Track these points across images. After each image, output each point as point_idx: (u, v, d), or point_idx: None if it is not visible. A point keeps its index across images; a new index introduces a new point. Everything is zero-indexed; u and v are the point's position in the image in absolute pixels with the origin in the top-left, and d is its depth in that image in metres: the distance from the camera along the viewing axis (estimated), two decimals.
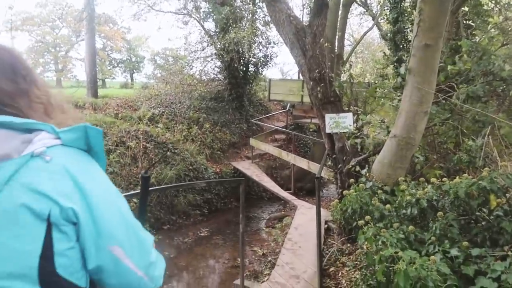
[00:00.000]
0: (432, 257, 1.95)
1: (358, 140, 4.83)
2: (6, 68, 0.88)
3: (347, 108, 5.90)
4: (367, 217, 2.47)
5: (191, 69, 14.21)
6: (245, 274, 6.39)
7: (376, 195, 2.92)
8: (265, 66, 14.24)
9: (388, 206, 2.64)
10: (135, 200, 6.18)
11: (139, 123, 10.51)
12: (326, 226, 6.18)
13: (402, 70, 3.54)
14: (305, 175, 11.14)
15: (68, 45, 27.08)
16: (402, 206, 2.58)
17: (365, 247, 3.08)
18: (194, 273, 6.50)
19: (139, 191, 1.35)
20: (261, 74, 14.74)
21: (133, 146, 9.10)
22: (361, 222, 2.44)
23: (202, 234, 8.18)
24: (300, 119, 12.57)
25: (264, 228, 8.61)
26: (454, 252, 2.12)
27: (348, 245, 5.29)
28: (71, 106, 1.02)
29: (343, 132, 5.35)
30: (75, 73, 29.22)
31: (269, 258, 6.36)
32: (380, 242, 2.19)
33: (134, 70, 31.48)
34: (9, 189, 0.74)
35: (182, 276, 6.35)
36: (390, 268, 2.09)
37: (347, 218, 2.86)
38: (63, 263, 0.77)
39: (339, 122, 5.32)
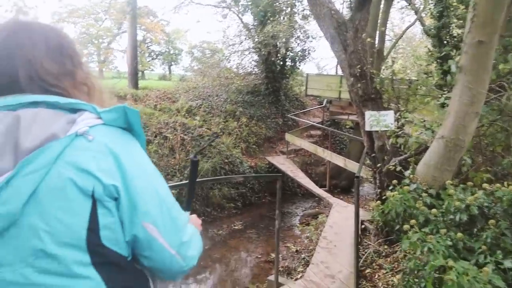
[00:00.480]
0: (485, 268, 1.85)
1: (400, 139, 4.68)
2: (52, 49, 0.91)
3: (387, 106, 5.73)
4: (412, 221, 2.38)
5: (229, 62, 14.29)
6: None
7: (421, 198, 2.81)
8: (303, 61, 14.10)
9: (434, 210, 2.53)
10: (173, 191, 6.33)
11: (177, 115, 10.70)
12: (363, 226, 6.06)
13: (452, 67, 3.37)
14: (340, 172, 10.97)
15: (110, 37, 27.89)
16: (450, 212, 2.46)
17: (403, 252, 2.98)
18: (228, 266, 6.56)
19: (178, 183, 1.38)
20: (298, 68, 14.60)
21: (171, 137, 9.28)
22: (406, 226, 2.35)
23: (236, 227, 8.24)
24: (337, 116, 12.36)
25: (298, 225, 8.56)
26: (508, 263, 2.00)
27: (385, 247, 5.16)
28: (108, 91, 1.07)
29: (384, 131, 5.20)
30: (116, 64, 30.10)
31: (303, 255, 6.32)
32: (426, 249, 2.10)
33: (172, 63, 32.02)
34: (56, 168, 0.79)
35: (215, 268, 6.43)
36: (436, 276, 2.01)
37: (389, 220, 2.77)
38: (107, 235, 0.83)
39: (380, 120, 5.17)
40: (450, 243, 2.18)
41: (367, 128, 5.32)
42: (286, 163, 10.75)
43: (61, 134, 0.81)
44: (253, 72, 14.15)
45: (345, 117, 11.96)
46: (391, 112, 5.24)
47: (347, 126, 14.33)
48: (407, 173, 3.39)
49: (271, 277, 4.77)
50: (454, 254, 2.12)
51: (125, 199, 0.84)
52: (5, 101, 0.84)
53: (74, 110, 0.87)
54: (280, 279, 4.56)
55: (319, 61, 29.24)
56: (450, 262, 1.86)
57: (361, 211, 7.34)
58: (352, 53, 5.46)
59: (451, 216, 2.45)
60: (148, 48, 29.71)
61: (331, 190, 10.19)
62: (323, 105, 13.27)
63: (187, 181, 1.42)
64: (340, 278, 4.31)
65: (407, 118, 4.67)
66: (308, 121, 12.70)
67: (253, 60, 14.17)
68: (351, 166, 8.14)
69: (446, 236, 2.26)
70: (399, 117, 5.22)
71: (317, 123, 12.61)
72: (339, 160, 8.69)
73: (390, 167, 4.88)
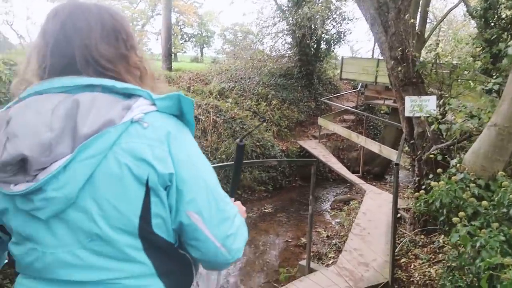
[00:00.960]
0: None
1: (442, 126, 4.46)
2: (107, 32, 0.90)
3: (429, 91, 5.48)
4: (461, 214, 2.24)
5: (262, 44, 14.10)
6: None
7: (468, 189, 2.66)
8: (338, 43, 13.72)
9: (484, 203, 2.37)
10: None
11: (209, 97, 10.70)
12: (398, 214, 5.91)
13: (510, 50, 3.13)
14: (373, 158, 10.73)
15: (144, 19, 28.14)
16: (503, 204, 2.30)
17: (444, 244, 2.81)
18: (257, 248, 6.59)
19: (221, 164, 1.35)
20: (333, 51, 14.23)
21: (203, 119, 9.31)
22: (455, 219, 2.22)
23: (266, 210, 8.25)
24: (372, 100, 11.99)
25: (329, 210, 8.46)
26: None
27: (422, 236, 5.01)
28: (159, 75, 1.06)
29: (425, 117, 4.99)
30: (149, 46, 30.44)
31: (334, 241, 6.26)
32: (478, 244, 1.97)
33: (204, 45, 32.05)
34: (113, 154, 0.80)
35: (245, 249, 6.44)
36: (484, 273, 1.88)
37: (433, 211, 2.64)
38: (158, 223, 0.86)
39: (421, 106, 4.95)
40: (503, 238, 2.04)
41: (407, 114, 5.12)
42: (318, 148, 10.60)
43: (117, 120, 0.81)
44: (286, 55, 13.90)
45: (381, 102, 11.60)
46: (433, 98, 5.01)
47: (382, 111, 13.93)
48: (453, 161, 3.22)
49: (303, 262, 4.75)
50: (509, 250, 1.98)
51: (173, 187, 0.85)
52: (62, 82, 0.85)
53: (129, 95, 0.87)
54: (312, 265, 4.52)
55: (354, 44, 28.52)
56: (508, 260, 1.74)
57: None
58: (393, 35, 5.23)
59: (504, 210, 2.29)
60: (181, 31, 29.80)
61: (364, 176, 9.99)
62: (358, 89, 12.92)
63: (223, 164, 1.39)
64: (374, 267, 4.22)
65: (451, 104, 4.43)
66: (341, 105, 12.43)
67: (286, 43, 13.91)
68: (386, 152, 7.91)
69: (498, 230, 2.12)
70: (442, 103, 4.99)
71: (351, 107, 12.33)
72: (374, 146, 8.46)
73: (431, 155, 4.69)
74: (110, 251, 0.82)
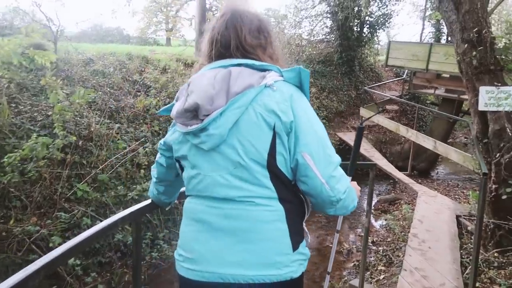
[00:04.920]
0: None
1: None
2: (253, 29, 1.31)
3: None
4: None
5: (300, 28, 13.24)
6: (352, 265, 5.67)
7: None
8: (382, 27, 12.64)
9: None
10: None
11: None
12: (459, 226, 5.11)
13: None
14: (419, 153, 9.81)
15: (178, 5, 27.69)
16: None
17: None
18: None
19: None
20: (377, 35, 13.16)
21: None
22: None
23: None
24: (421, 89, 10.93)
25: (372, 211, 7.68)
26: None
27: (496, 254, 4.21)
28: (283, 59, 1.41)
29: (504, 112, 4.17)
30: (182, 32, 30.03)
31: (381, 249, 5.56)
32: None
33: None
34: (252, 107, 1.18)
35: None
36: None
37: None
38: (280, 160, 1.20)
39: (501, 98, 4.13)
40: None
41: (481, 108, 4.30)
42: None
43: (255, 85, 1.20)
44: (326, 39, 12.97)
45: (431, 91, 10.53)
46: None
47: (428, 102, 12.84)
48: None
49: (354, 282, 4.06)
50: None
51: (293, 133, 1.19)
52: (220, 63, 1.27)
53: (264, 69, 1.24)
54: (366, 286, 3.83)
55: (392, 28, 26.99)
56: None
57: (453, 203, 6.31)
58: (467, 12, 4.37)
59: None
60: (214, 16, 29.18)
61: (411, 174, 9.12)
62: (403, 77, 11.87)
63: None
64: None
65: None
66: (385, 95, 11.47)
67: (325, 26, 12.98)
68: (443, 149, 7.02)
69: None
70: None
71: (395, 97, 11.35)
72: (427, 142, 7.54)
73: None
74: (247, 176, 1.18)
